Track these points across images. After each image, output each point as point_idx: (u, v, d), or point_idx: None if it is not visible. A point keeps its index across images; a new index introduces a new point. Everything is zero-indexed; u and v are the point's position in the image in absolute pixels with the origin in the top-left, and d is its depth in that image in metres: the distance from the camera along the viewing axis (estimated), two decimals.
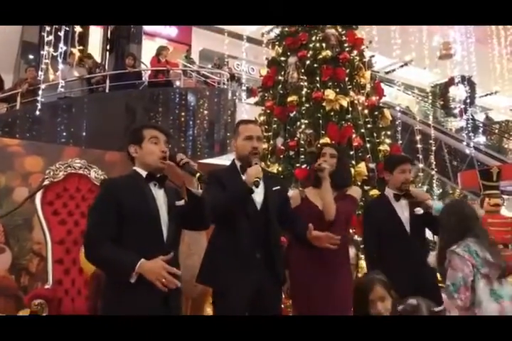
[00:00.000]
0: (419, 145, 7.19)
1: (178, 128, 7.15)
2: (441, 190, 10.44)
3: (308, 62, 4.70)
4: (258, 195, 2.25)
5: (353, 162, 4.19)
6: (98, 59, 9.54)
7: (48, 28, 6.72)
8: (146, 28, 13.14)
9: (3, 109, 6.51)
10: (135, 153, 1.94)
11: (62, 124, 6.12)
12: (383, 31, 13.75)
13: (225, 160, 6.69)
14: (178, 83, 9.97)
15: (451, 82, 12.51)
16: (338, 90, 4.49)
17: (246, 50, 13.07)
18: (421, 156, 7.55)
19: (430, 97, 13.26)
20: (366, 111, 4.56)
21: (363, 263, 3.73)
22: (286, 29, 5.09)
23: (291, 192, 2.92)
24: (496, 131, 12.41)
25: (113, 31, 9.44)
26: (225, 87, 8.76)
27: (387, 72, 15.71)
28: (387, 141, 4.58)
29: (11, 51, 8.87)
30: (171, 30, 14.14)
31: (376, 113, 4.68)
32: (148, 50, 9.96)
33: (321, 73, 4.56)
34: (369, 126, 4.51)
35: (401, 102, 15.21)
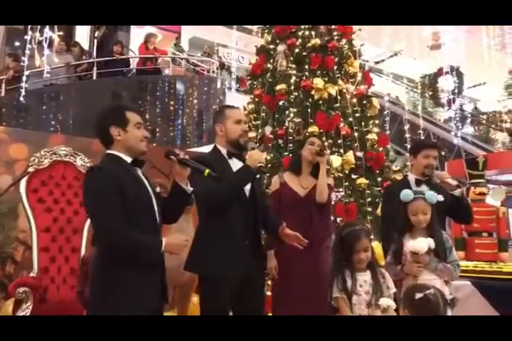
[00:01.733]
0: (407, 135, 7.21)
1: (166, 116, 7.09)
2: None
3: (297, 50, 4.67)
4: None
5: (341, 150, 4.20)
6: (86, 46, 9.41)
7: None
8: None
9: None
10: (118, 135, 1.87)
11: (49, 112, 6.03)
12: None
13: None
14: (167, 71, 9.90)
15: (440, 72, 12.55)
16: (326, 79, 4.48)
17: (236, 39, 12.97)
18: (409, 146, 7.56)
19: (419, 88, 13.30)
20: (355, 100, 4.56)
21: None
22: None
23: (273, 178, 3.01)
24: (484, 121, 12.50)
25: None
26: (215, 75, 8.69)
27: (377, 62, 15.72)
28: (375, 129, 4.59)
29: None
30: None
31: (364, 102, 4.68)
32: (137, 37, 9.82)
33: (310, 61, 4.54)
34: (357, 114, 4.52)
35: (391, 92, 15.26)
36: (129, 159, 1.88)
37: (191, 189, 1.96)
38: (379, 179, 4.28)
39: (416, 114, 9.68)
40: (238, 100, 8.15)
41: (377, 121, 4.78)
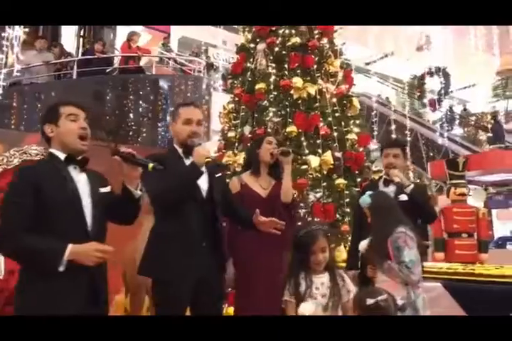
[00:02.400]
0: (393, 136, 7.18)
1: (151, 116, 7.01)
2: (418, 181, 10.53)
3: (277, 49, 4.62)
4: (203, 182, 2.18)
5: (320, 151, 4.15)
6: (73, 44, 9.34)
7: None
8: None
9: None
10: (51, 132, 1.79)
11: (27, 110, 5.93)
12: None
13: None
14: (153, 71, 9.82)
15: (428, 73, 12.58)
16: (306, 78, 4.42)
17: (225, 39, 12.92)
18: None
19: (407, 88, 13.31)
20: (335, 100, 4.51)
21: None
22: None
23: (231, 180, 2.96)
24: (472, 122, 12.53)
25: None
26: (201, 75, 8.62)
27: (367, 63, 15.75)
28: (356, 130, 4.54)
29: None
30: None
31: (345, 102, 4.64)
32: (124, 36, 9.72)
33: (290, 60, 4.49)
34: (337, 114, 4.47)
35: (382, 93, 15.28)
36: (62, 156, 1.78)
37: (140, 193, 1.86)
38: (358, 179, 4.23)
39: (404, 115, 9.67)
40: (225, 100, 8.11)
41: (358, 121, 4.72)
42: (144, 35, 13.88)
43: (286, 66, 4.52)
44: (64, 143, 1.78)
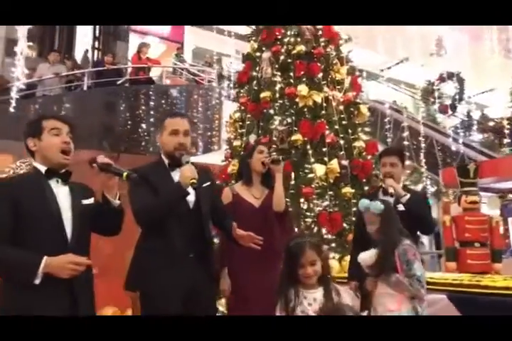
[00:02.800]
0: (406, 143, 7.06)
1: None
2: (435, 188, 10.32)
3: (282, 57, 4.61)
4: (190, 194, 2.13)
5: (326, 159, 4.10)
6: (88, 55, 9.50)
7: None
8: (137, 25, 13.08)
9: None
10: (34, 146, 1.80)
11: None
12: (378, 29, 13.68)
13: (209, 158, 6.60)
14: (168, 81, 9.93)
15: (440, 78, 12.39)
16: (312, 86, 4.39)
17: (238, 49, 12.97)
18: (408, 154, 7.42)
19: (421, 94, 13.14)
20: (341, 107, 4.46)
21: (333, 262, 3.64)
22: None
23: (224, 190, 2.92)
24: (490, 128, 12.26)
25: (100, 28, 9.36)
26: (214, 84, 8.67)
27: (382, 70, 15.63)
28: (364, 137, 4.48)
29: None
30: (164, 28, 14.06)
31: (352, 109, 4.58)
32: (136, 47, 9.85)
33: (295, 68, 4.46)
34: (344, 122, 4.41)
35: (396, 100, 15.13)
36: (43, 169, 1.78)
37: (118, 202, 1.86)
38: (366, 188, 4.15)
39: (418, 121, 9.52)
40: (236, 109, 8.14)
41: (366, 129, 4.66)
42: (158, 46, 14.11)
43: (291, 74, 4.50)
44: (46, 158, 1.79)
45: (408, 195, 2.67)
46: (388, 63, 17.80)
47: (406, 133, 7.24)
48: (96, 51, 9.46)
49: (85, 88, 6.61)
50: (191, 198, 2.15)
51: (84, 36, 9.91)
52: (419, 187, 10.51)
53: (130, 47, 9.32)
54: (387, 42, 13.65)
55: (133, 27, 11.48)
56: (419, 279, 2.14)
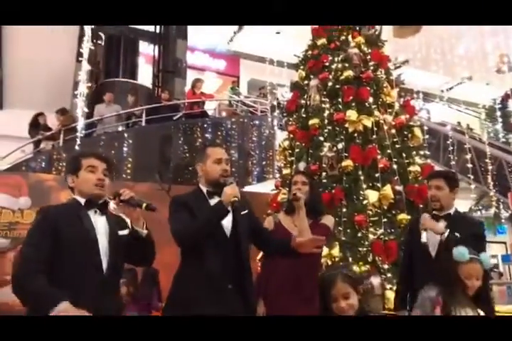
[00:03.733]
0: (469, 165, 6.65)
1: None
2: (510, 212, 9.59)
3: (330, 83, 4.58)
4: (226, 221, 2.13)
5: (379, 185, 3.94)
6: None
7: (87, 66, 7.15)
8: (195, 63, 13.70)
9: (49, 146, 6.95)
10: (72, 183, 1.91)
11: None
12: (436, 49, 13.33)
13: (263, 187, 6.60)
14: (224, 113, 10.20)
15: (507, 96, 11.71)
16: (362, 110, 4.29)
17: (293, 78, 13.12)
18: (473, 177, 6.97)
19: (486, 113, 12.46)
20: (394, 131, 4.31)
21: (388, 293, 3.43)
22: (310, 52, 5.03)
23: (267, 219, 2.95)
24: None
25: (159, 67, 9.88)
26: (266, 115, 8.77)
27: (443, 91, 15.08)
28: (419, 161, 4.28)
29: (67, 90, 9.56)
30: (220, 63, 14.60)
31: (406, 132, 4.42)
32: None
33: (343, 94, 4.40)
34: (397, 146, 4.25)
35: (460, 121, 14.48)
36: (82, 200, 1.87)
37: (145, 231, 1.90)
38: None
39: (484, 142, 8.99)
40: None
41: (422, 152, 4.47)
42: (215, 81, 14.64)
43: (340, 100, 4.44)
44: (82, 192, 1.89)
45: (447, 232, 2.46)
46: (450, 83, 17.23)
47: (469, 155, 6.82)
48: (156, 88, 9.93)
49: (143, 124, 6.94)
50: (227, 225, 2.14)
51: (145, 73, 10.52)
52: (491, 212, 9.86)
53: (188, 84, 9.70)
54: (447, 62, 13.21)
55: (191, 64, 12.06)
56: None
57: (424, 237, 2.63)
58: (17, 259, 1.89)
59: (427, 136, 6.03)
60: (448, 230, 2.48)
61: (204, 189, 2.22)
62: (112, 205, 1.90)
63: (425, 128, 6.17)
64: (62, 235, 1.74)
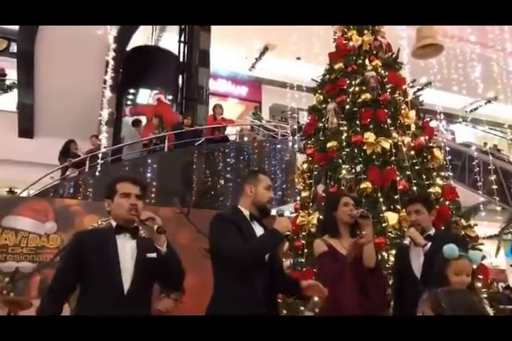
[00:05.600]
0: (494, 186, 6.50)
1: (237, 181, 7.27)
2: None
3: (347, 106, 4.62)
4: None
5: (398, 207, 3.90)
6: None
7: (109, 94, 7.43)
8: (219, 89, 14.03)
9: (76, 172, 7.19)
10: (108, 207, 2.04)
11: None
12: (459, 68, 13.26)
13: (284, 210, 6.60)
14: (245, 138, 10.35)
15: None
16: (380, 133, 4.30)
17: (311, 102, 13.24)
18: (498, 198, 6.79)
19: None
20: (413, 152, 4.29)
21: None
22: (327, 76, 5.10)
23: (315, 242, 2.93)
24: None
25: (182, 95, 10.20)
26: (287, 138, 8.85)
27: (466, 111, 14.94)
28: (440, 182, 4.23)
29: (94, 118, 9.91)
30: (242, 90, 14.92)
31: (425, 154, 4.38)
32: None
33: (361, 117, 4.43)
34: (417, 167, 4.22)
35: (488, 141, 14.23)
36: (114, 224, 2.00)
37: (164, 250, 1.96)
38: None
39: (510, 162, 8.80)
40: None
41: (443, 173, 4.41)
42: (238, 107, 14.92)
43: (357, 122, 4.47)
44: (117, 216, 2.01)
45: (428, 245, 2.57)
46: (474, 104, 17.04)
47: (494, 177, 6.68)
48: (180, 115, 10.22)
49: (166, 149, 7.11)
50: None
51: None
52: None
53: (210, 110, 9.95)
54: (470, 82, 13.10)
55: (213, 91, 12.36)
56: None
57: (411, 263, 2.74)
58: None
59: (449, 157, 5.96)
60: (430, 243, 2.59)
61: (245, 211, 2.26)
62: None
63: (447, 149, 6.12)
64: (86, 258, 1.86)
